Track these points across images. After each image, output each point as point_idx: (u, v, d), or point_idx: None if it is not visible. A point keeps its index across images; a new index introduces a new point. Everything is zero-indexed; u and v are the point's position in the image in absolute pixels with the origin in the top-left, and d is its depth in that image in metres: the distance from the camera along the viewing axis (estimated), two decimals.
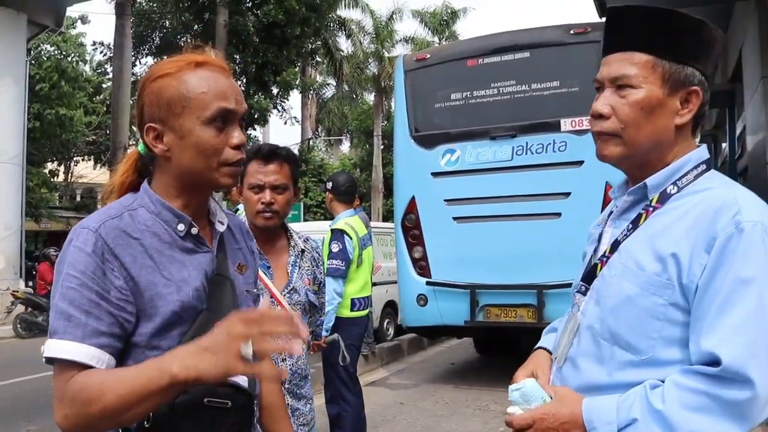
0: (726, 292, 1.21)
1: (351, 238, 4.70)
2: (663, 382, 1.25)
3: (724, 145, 14.89)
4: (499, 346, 9.01)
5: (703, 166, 1.39)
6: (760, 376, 1.17)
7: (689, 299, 1.26)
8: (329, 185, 4.96)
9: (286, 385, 2.46)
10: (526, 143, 6.66)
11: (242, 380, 1.29)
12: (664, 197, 1.37)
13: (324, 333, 4.21)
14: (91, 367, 1.18)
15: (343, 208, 4.89)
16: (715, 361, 1.19)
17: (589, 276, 1.46)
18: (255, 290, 1.55)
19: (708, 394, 1.19)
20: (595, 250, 1.49)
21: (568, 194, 6.27)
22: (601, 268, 1.42)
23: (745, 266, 1.21)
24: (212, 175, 1.32)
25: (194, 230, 1.37)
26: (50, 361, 1.20)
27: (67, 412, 1.16)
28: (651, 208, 1.38)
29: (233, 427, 1.26)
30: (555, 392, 1.39)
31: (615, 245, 1.41)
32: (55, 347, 1.18)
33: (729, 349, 1.18)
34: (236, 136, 1.33)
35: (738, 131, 11.66)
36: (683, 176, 1.37)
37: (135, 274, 1.26)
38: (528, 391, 1.38)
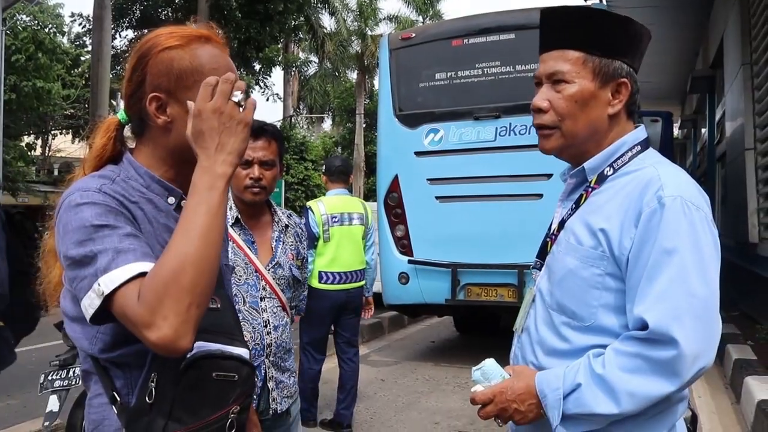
0: (651, 262, 1.35)
1: (314, 214, 5.12)
2: (606, 347, 1.39)
3: (704, 130, 15.05)
4: (479, 324, 9.11)
5: (638, 148, 1.51)
6: (683, 335, 1.30)
7: (622, 269, 1.40)
8: (323, 168, 5.50)
9: (271, 358, 2.49)
10: (510, 124, 6.69)
11: (244, 353, 1.31)
12: (601, 178, 1.50)
13: None
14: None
15: (333, 187, 5.35)
16: (644, 326, 1.33)
17: (543, 253, 1.60)
18: (230, 264, 1.58)
19: (640, 355, 1.33)
20: (549, 229, 1.62)
21: (550, 176, 6.32)
22: (551, 246, 1.56)
23: (666, 238, 1.34)
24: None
25: (184, 203, 1.37)
26: (111, 295, 1.13)
27: (166, 313, 1.09)
28: (590, 189, 1.51)
29: (239, 397, 1.28)
30: (513, 370, 1.52)
31: (561, 224, 1.55)
32: (113, 277, 1.13)
33: (654, 313, 1.32)
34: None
35: (717, 117, 11.79)
36: (618, 158, 1.50)
37: (144, 231, 1.28)
38: (488, 369, 1.51)
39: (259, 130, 2.54)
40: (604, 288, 1.41)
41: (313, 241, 5.03)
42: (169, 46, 1.33)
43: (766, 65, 6.92)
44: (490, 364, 1.52)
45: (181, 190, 1.36)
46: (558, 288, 1.48)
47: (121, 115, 1.40)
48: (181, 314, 1.10)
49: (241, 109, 1.23)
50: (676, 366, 1.31)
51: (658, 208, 1.35)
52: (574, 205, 1.53)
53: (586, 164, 1.51)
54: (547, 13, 1.54)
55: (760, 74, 7.28)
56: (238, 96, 1.22)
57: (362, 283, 5.33)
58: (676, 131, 19.20)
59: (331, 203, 5.24)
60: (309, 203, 5.29)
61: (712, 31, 11.37)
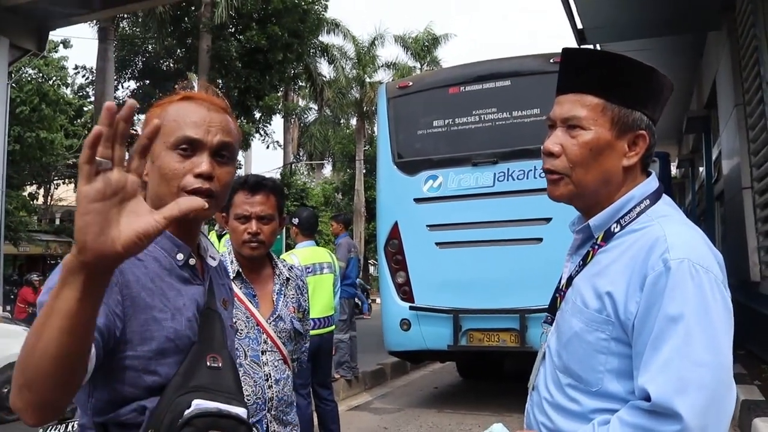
0: (656, 330, 1.27)
1: None
2: (613, 412, 1.32)
3: (701, 169, 15.14)
4: (483, 370, 9.03)
5: (647, 202, 1.42)
6: (687, 409, 1.21)
7: (629, 334, 1.32)
8: (295, 221, 5.68)
9: (273, 412, 2.48)
10: (508, 169, 6.76)
11: (242, 412, 1.30)
12: (608, 235, 1.42)
13: None
14: None
15: (303, 239, 5.65)
16: (648, 397, 1.25)
17: (553, 307, 1.54)
18: (235, 326, 1.59)
19: (645, 428, 1.25)
20: (558, 284, 1.56)
21: (549, 219, 6.36)
22: (560, 302, 1.50)
23: (672, 304, 1.26)
24: (171, 202, 1.27)
25: (192, 261, 1.40)
26: None
27: (13, 386, 1.04)
28: (597, 246, 1.43)
29: None
30: None
31: (569, 280, 1.48)
32: None
33: (657, 385, 1.24)
34: (201, 165, 1.33)
35: (714, 156, 11.87)
36: (626, 214, 1.41)
37: (135, 294, 1.27)
38: None
39: (257, 184, 2.55)
40: (610, 353, 1.34)
41: None
42: (156, 105, 1.40)
43: (759, 105, 7.01)
44: (497, 428, 1.47)
45: (188, 244, 1.39)
46: (565, 350, 1.42)
47: None
48: (15, 391, 1.04)
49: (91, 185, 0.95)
50: None
51: (664, 272, 1.27)
52: (581, 262, 1.46)
53: (592, 221, 1.44)
54: (568, 53, 1.46)
55: (753, 114, 7.38)
56: (100, 162, 0.94)
57: (333, 327, 5.65)
58: (674, 171, 19.33)
59: (303, 255, 5.50)
60: (283, 256, 5.42)
61: (705, 71, 11.55)
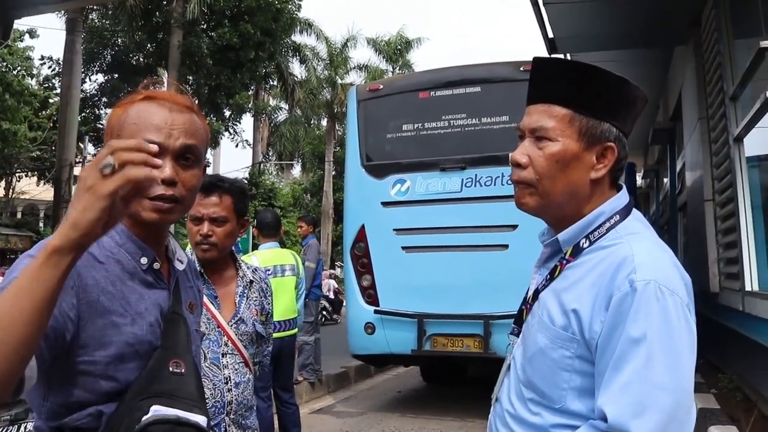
0: (618, 352, 1.25)
1: None
2: (574, 429, 1.30)
3: (665, 180, 15.40)
4: (446, 374, 9.06)
5: (617, 217, 1.40)
6: None
7: (593, 352, 1.30)
8: (255, 222, 5.71)
9: (232, 416, 2.45)
10: (476, 175, 6.79)
11: (202, 420, 1.28)
12: (576, 251, 1.40)
13: None
14: None
15: (265, 241, 5.66)
16: (605, 418, 1.23)
17: (519, 319, 1.52)
18: (203, 329, 1.56)
19: None
20: (525, 296, 1.54)
21: (515, 227, 6.40)
22: (526, 315, 1.48)
23: (635, 326, 1.24)
24: (135, 208, 1.28)
25: (156, 265, 1.37)
26: None
27: None
28: (565, 261, 1.41)
29: None
30: None
31: (536, 294, 1.46)
32: None
33: (614, 407, 1.22)
34: (164, 170, 1.27)
35: (678, 167, 12.08)
36: (595, 230, 1.39)
37: (93, 298, 1.24)
38: None
39: (209, 186, 2.50)
40: (574, 371, 1.32)
41: None
42: (118, 105, 1.35)
43: (721, 120, 7.14)
44: None
45: (153, 249, 1.36)
46: (529, 365, 1.40)
47: None
48: None
49: (105, 183, 1.03)
50: None
51: (630, 293, 1.25)
52: (549, 276, 1.44)
53: (560, 236, 1.42)
54: (538, 63, 1.44)
55: (715, 128, 7.51)
56: (105, 161, 1.02)
57: (295, 330, 5.62)
58: (639, 181, 19.63)
59: (264, 257, 5.48)
60: (243, 258, 5.35)
61: (672, 84, 11.75)
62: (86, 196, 1.02)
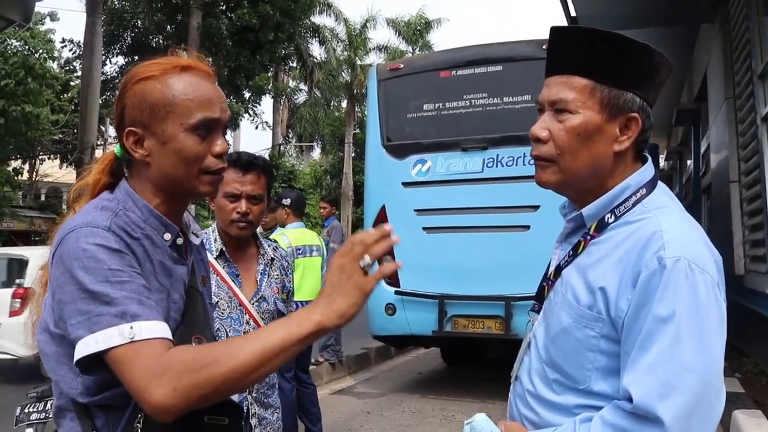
0: (645, 331, 1.21)
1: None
2: (598, 410, 1.27)
3: (689, 162, 15.20)
4: (467, 356, 9.05)
5: (643, 191, 1.35)
6: (670, 415, 1.17)
7: (618, 331, 1.26)
8: (287, 201, 5.71)
9: (254, 394, 2.45)
10: (497, 156, 6.72)
11: (234, 397, 1.29)
12: (601, 226, 1.35)
13: None
14: (172, 342, 1.17)
15: (294, 221, 5.72)
16: (630, 398, 1.20)
17: (539, 296, 1.48)
18: (212, 301, 1.57)
19: (625, 430, 1.20)
20: (546, 273, 1.49)
21: (537, 207, 6.34)
22: (547, 291, 1.44)
23: (663, 304, 1.20)
24: (192, 183, 1.31)
25: (179, 241, 1.36)
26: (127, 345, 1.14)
27: (176, 384, 1.09)
28: (589, 237, 1.36)
29: None
30: (505, 427, 1.40)
31: (558, 270, 1.42)
32: (144, 328, 1.14)
33: (639, 387, 1.19)
34: (219, 144, 1.31)
35: (702, 149, 11.91)
36: (621, 204, 1.34)
37: (141, 272, 1.25)
38: (477, 425, 1.41)
39: (249, 164, 2.50)
40: (599, 351, 1.28)
41: None
42: (144, 76, 1.31)
43: (749, 99, 7.00)
44: (480, 419, 1.42)
45: (175, 224, 1.35)
46: (552, 345, 1.36)
47: (117, 149, 1.39)
48: (196, 393, 1.11)
49: (365, 273, 1.17)
50: None
51: (658, 270, 1.21)
52: (572, 251, 1.39)
53: (584, 210, 1.36)
54: (556, 33, 1.38)
55: (742, 108, 7.37)
56: (365, 260, 1.15)
57: None
58: (662, 163, 19.39)
59: (294, 236, 5.54)
60: (274, 236, 5.44)
61: (696, 64, 11.54)
62: (354, 292, 1.15)
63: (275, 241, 2.92)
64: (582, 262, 1.35)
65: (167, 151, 1.28)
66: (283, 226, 5.81)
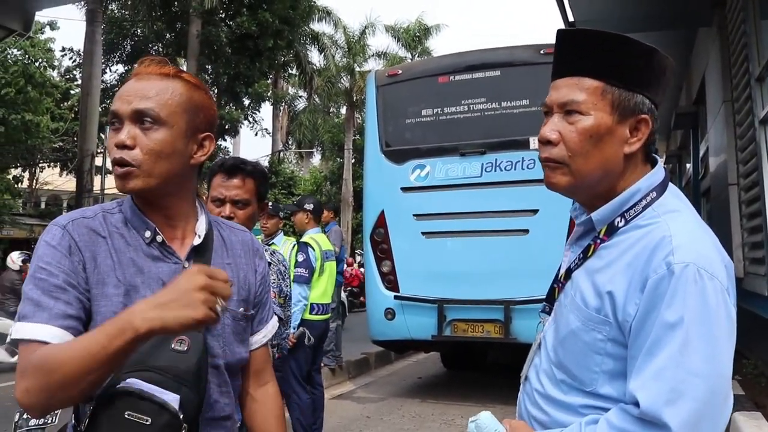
0: (653, 336, 1.20)
1: (314, 250, 5.43)
2: (604, 411, 1.27)
3: (688, 165, 15.21)
4: (467, 360, 9.04)
5: (653, 194, 1.34)
6: (677, 422, 1.16)
7: (626, 335, 1.26)
8: (310, 207, 5.70)
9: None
10: (496, 160, 6.74)
11: (172, 399, 1.24)
12: (611, 230, 1.35)
13: (291, 330, 4.82)
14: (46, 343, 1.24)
15: (315, 226, 5.69)
16: (637, 403, 1.20)
17: (550, 298, 1.48)
18: (241, 310, 1.49)
19: None
20: (557, 274, 1.49)
21: (536, 211, 6.35)
22: (558, 293, 1.44)
23: (672, 310, 1.20)
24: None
25: (159, 238, 1.38)
26: (15, 342, 1.26)
27: (28, 385, 1.18)
28: (599, 241, 1.35)
29: None
30: (510, 426, 1.39)
31: (568, 273, 1.42)
32: (21, 329, 1.24)
33: (647, 393, 1.18)
34: (118, 136, 1.33)
35: (701, 152, 11.91)
36: (631, 208, 1.33)
37: (90, 270, 1.31)
38: (482, 423, 1.41)
39: (234, 168, 2.50)
40: (606, 354, 1.28)
41: (311, 275, 5.36)
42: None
43: (747, 102, 7.01)
44: (485, 417, 1.42)
45: (159, 223, 1.39)
46: (561, 347, 1.37)
47: None
48: (44, 396, 1.19)
49: (205, 311, 1.15)
50: None
51: (667, 276, 1.20)
52: (582, 255, 1.38)
53: (594, 215, 1.36)
54: (564, 35, 1.38)
55: (740, 111, 7.38)
56: (220, 307, 1.17)
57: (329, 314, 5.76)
58: None
59: (321, 240, 5.60)
60: (307, 240, 5.51)
61: (695, 67, 11.57)
62: (190, 305, 1.13)
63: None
64: (591, 266, 1.35)
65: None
66: (302, 230, 5.79)
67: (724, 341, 1.22)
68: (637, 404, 1.19)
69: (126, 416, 1.21)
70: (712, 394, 1.19)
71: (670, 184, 1.40)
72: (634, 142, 1.33)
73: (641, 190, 1.34)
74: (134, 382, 1.23)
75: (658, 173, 1.37)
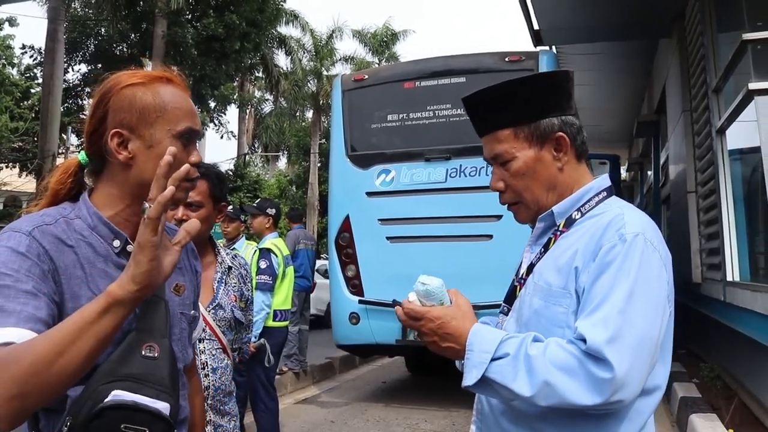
0: (604, 291, 1.34)
1: (277, 256, 5.39)
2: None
3: (649, 172, 15.50)
4: (431, 365, 9.07)
5: (604, 193, 1.53)
6: (618, 362, 1.28)
7: (580, 298, 1.39)
8: (272, 211, 5.66)
9: (209, 401, 2.43)
10: (460, 166, 6.79)
11: (164, 407, 1.25)
12: (569, 222, 1.51)
13: (252, 339, 4.71)
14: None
15: (273, 230, 5.68)
16: (583, 340, 1.31)
17: (510, 297, 1.57)
18: (192, 312, 1.53)
19: (579, 359, 1.30)
20: (517, 273, 1.60)
21: (500, 217, 6.40)
22: (519, 290, 1.54)
23: (622, 269, 1.35)
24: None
25: (129, 248, 1.35)
26: None
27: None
28: (559, 232, 1.51)
29: None
30: (456, 301, 1.49)
31: (530, 268, 1.54)
32: None
33: (595, 333, 1.30)
34: (195, 154, 1.39)
35: (662, 160, 12.16)
36: (586, 203, 1.51)
37: (64, 282, 1.25)
38: (432, 289, 1.47)
39: None
40: (567, 326, 1.39)
41: (275, 282, 5.28)
42: (132, 83, 1.36)
43: (704, 112, 7.19)
44: (437, 286, 1.47)
45: (133, 230, 1.34)
46: (524, 329, 1.45)
47: (81, 156, 1.41)
48: (16, 393, 1.08)
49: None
50: (604, 386, 1.28)
51: (619, 243, 1.37)
52: (542, 249, 1.53)
53: (555, 208, 1.52)
54: (466, 102, 1.58)
55: (699, 120, 7.56)
56: (144, 205, 1.19)
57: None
58: (623, 173, 19.75)
59: (281, 245, 5.55)
60: (269, 246, 5.41)
61: (656, 77, 11.81)
62: (140, 255, 1.15)
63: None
64: (553, 254, 1.49)
65: (152, 155, 1.33)
66: (260, 235, 5.70)
67: (659, 307, 1.37)
68: (584, 340, 1.31)
69: (123, 430, 1.20)
70: (642, 348, 1.32)
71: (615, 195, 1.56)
72: (561, 156, 1.52)
73: (593, 189, 1.53)
74: (123, 395, 1.21)
75: (605, 179, 1.56)
